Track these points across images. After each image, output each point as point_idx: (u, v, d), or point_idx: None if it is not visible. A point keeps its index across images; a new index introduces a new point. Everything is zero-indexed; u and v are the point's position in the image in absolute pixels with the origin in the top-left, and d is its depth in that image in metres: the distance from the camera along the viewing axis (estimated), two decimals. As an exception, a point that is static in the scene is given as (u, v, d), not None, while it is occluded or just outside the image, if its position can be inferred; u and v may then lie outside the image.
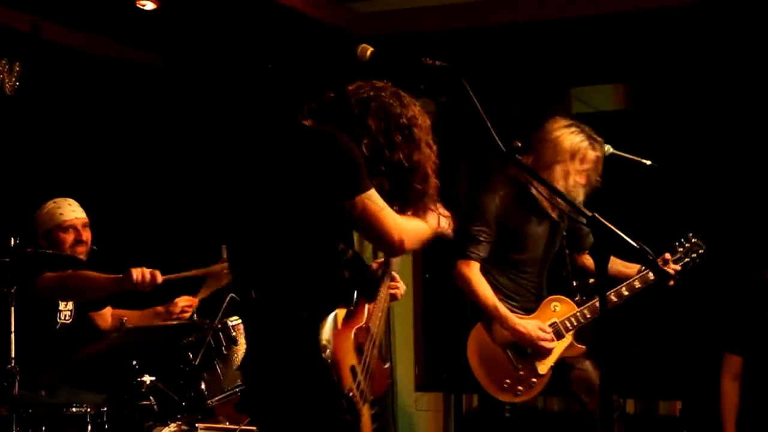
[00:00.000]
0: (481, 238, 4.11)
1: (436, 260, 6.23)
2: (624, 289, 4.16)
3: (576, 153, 4.04)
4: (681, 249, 4.24)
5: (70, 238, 4.26)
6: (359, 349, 2.58)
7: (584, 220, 2.41)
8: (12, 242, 3.85)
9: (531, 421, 5.79)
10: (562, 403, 5.90)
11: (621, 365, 5.21)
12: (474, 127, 2.44)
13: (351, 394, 2.47)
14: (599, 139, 4.13)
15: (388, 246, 2.53)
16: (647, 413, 5.69)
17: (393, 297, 2.91)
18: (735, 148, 5.39)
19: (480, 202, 4.18)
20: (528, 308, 4.21)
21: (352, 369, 2.52)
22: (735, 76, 5.37)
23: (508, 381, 4.12)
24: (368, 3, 5.62)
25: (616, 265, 4.17)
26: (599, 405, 3.96)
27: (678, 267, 4.22)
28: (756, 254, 5.10)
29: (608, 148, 4.21)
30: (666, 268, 4.14)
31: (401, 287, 2.96)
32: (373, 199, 2.50)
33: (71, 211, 4.30)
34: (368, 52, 2.69)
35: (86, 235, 4.31)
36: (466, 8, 5.49)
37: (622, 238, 2.35)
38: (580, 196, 4.06)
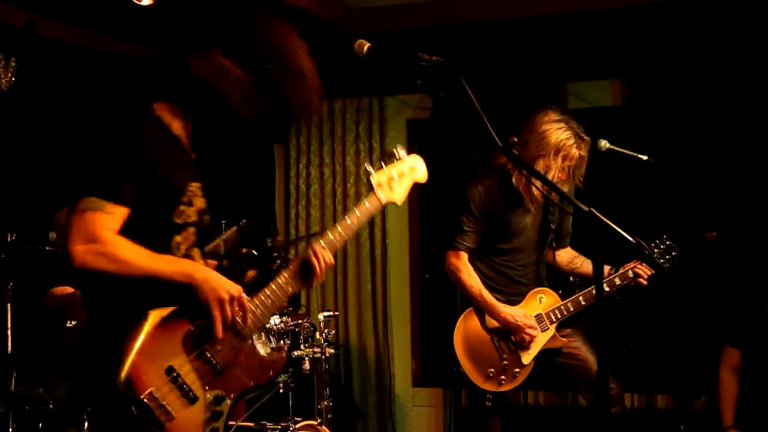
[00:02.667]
0: (466, 228, 4.18)
1: (434, 258, 6.25)
2: (605, 285, 4.18)
3: (560, 149, 4.05)
4: (657, 250, 4.26)
5: None
6: (193, 346, 2.50)
7: (571, 210, 2.42)
8: (9, 238, 3.86)
9: (520, 416, 5.82)
10: (552, 397, 5.92)
11: (617, 359, 5.22)
12: (471, 121, 2.44)
13: (146, 400, 2.38)
14: (586, 138, 4.13)
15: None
16: (645, 408, 5.71)
17: (311, 277, 2.74)
18: (732, 142, 5.39)
19: (465, 193, 4.24)
20: (513, 300, 4.23)
21: (168, 370, 2.44)
22: (731, 71, 5.37)
23: (492, 370, 4.16)
24: (365, -1, 5.62)
25: (589, 266, 4.29)
26: (598, 393, 3.97)
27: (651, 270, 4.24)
28: (754, 248, 5.11)
29: (605, 144, 4.22)
30: (640, 268, 4.16)
31: (321, 263, 2.73)
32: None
33: None
34: (365, 48, 2.69)
35: None
36: (462, 4, 5.49)
37: (619, 233, 2.35)
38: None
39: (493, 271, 4.25)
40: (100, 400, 2.46)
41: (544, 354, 4.23)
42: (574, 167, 4.11)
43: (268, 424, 4.29)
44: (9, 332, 3.78)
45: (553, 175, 4.02)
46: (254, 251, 2.76)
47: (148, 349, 2.41)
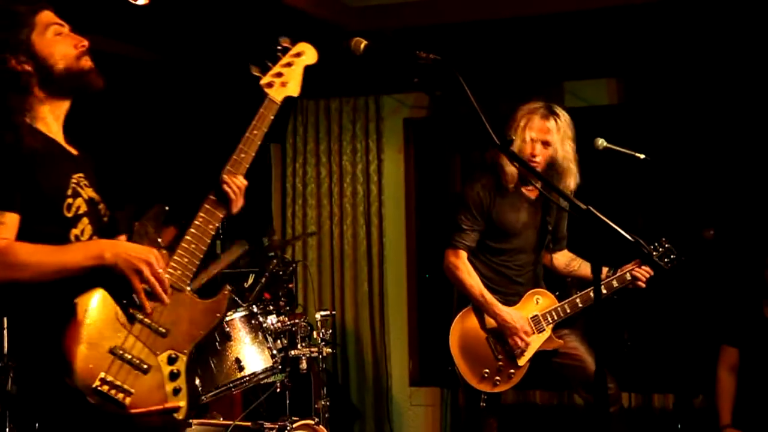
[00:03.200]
0: (465, 227, 4.19)
1: (431, 258, 6.24)
2: (602, 287, 4.18)
3: (523, 116, 4.11)
4: (655, 253, 4.26)
5: None
6: (129, 320, 2.49)
7: (565, 205, 2.41)
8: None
9: (517, 415, 5.82)
10: (549, 396, 5.92)
11: (615, 358, 5.22)
12: (468, 120, 2.43)
13: (98, 387, 2.39)
14: (557, 110, 4.14)
15: None
16: (642, 407, 5.71)
17: (229, 205, 2.76)
18: (729, 141, 5.40)
19: (463, 192, 4.25)
20: (510, 300, 4.22)
21: (113, 350, 2.43)
22: (727, 70, 5.38)
23: (487, 371, 4.15)
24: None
25: (586, 268, 4.30)
26: (595, 392, 3.97)
27: (651, 271, 4.24)
28: (751, 247, 5.12)
29: (602, 142, 4.22)
30: (638, 271, 4.16)
31: (233, 187, 2.75)
32: None
33: None
34: (362, 46, 2.68)
35: None
36: (458, 3, 5.49)
37: (617, 231, 2.34)
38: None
39: (491, 270, 4.25)
40: (56, 404, 2.43)
41: (540, 354, 4.22)
42: (542, 141, 4.09)
43: (265, 423, 4.28)
44: (5, 332, 3.77)
45: (525, 150, 4.04)
46: (166, 206, 2.74)
47: (86, 338, 2.39)
